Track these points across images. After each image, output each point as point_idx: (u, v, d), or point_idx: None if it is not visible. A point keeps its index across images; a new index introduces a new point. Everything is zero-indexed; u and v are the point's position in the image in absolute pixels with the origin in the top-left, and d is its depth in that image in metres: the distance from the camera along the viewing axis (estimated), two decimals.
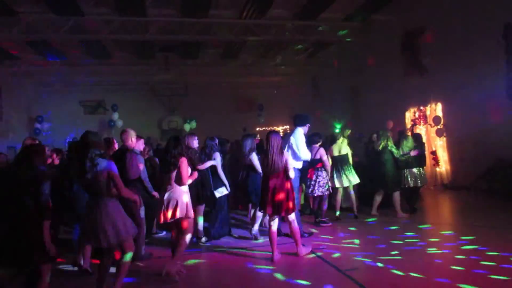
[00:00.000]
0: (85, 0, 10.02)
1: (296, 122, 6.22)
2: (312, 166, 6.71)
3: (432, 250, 5.15)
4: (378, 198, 7.35)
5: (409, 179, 7.36)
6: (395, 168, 7.24)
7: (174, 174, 4.45)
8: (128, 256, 3.76)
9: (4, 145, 13.40)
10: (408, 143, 7.41)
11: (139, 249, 5.11)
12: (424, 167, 7.79)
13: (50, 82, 18.77)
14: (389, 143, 7.22)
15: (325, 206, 6.89)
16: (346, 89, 15.06)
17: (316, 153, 6.66)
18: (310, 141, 6.55)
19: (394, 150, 7.22)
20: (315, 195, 6.75)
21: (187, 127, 19.86)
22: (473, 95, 8.99)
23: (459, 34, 9.41)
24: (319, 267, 4.70)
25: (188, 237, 4.49)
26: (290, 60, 16.97)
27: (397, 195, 7.18)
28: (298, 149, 5.95)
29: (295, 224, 5.07)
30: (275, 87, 22.14)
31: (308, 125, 6.23)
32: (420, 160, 7.53)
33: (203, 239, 5.93)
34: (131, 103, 19.69)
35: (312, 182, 6.72)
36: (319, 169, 6.70)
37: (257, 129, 19.93)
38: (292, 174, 5.03)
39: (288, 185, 4.99)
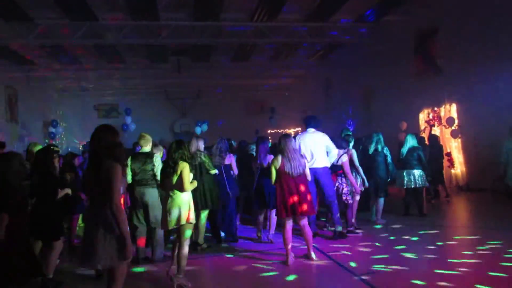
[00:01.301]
0: (98, 6, 10.17)
1: (311, 124, 6.19)
2: (334, 172, 6.38)
3: (449, 255, 5.06)
4: (379, 204, 6.93)
5: (405, 180, 7.13)
6: (386, 173, 6.91)
7: (174, 179, 4.29)
8: None
9: (21, 149, 13.64)
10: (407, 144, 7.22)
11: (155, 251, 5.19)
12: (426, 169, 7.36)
13: (65, 87, 19.10)
14: (379, 145, 6.90)
15: (349, 213, 6.48)
16: (359, 91, 14.95)
17: (339, 159, 6.35)
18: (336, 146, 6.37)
19: (388, 153, 6.91)
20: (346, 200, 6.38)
21: (198, 130, 19.96)
22: (489, 95, 8.83)
23: (473, 33, 9.26)
24: (333, 272, 4.65)
25: (186, 248, 4.26)
26: (301, 62, 16.94)
27: (382, 202, 6.88)
28: (330, 150, 6.04)
29: (308, 228, 5.01)
30: (287, 90, 22.13)
31: (319, 126, 6.25)
32: (422, 162, 7.21)
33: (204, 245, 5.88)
34: (144, 107, 19.92)
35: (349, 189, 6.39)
36: (342, 174, 6.41)
37: (269, 131, 19.92)
38: (309, 176, 5.01)
39: (304, 187, 4.92)
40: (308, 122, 6.29)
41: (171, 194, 4.30)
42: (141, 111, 19.41)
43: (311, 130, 6.19)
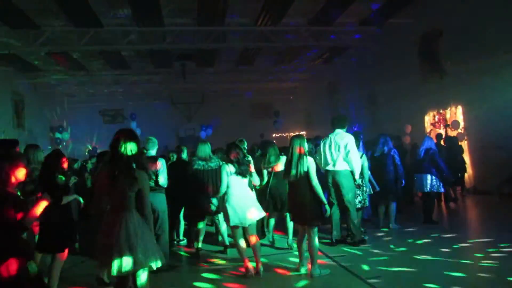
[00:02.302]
0: (104, 12, 10.26)
1: (337, 125, 5.90)
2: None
3: (461, 258, 5.02)
4: (391, 208, 6.74)
5: (416, 184, 7.05)
6: (395, 175, 6.71)
7: None
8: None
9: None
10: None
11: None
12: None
13: (71, 93, 19.25)
14: (386, 147, 6.74)
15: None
16: (364, 94, 14.93)
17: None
18: None
19: (396, 155, 6.76)
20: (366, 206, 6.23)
21: (203, 134, 20.01)
22: (494, 97, 8.79)
23: (478, 35, 9.22)
24: (340, 275, 4.63)
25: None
26: (305, 66, 16.95)
27: (394, 206, 6.71)
28: (352, 152, 5.68)
29: (315, 239, 4.56)
30: (291, 93, 22.14)
31: (348, 126, 5.98)
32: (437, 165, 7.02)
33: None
34: (149, 112, 20.02)
35: (359, 192, 6.11)
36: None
37: (274, 135, 19.93)
38: (316, 184, 4.57)
39: (312, 193, 4.57)
40: (333, 123, 6.00)
41: None
42: (146, 116, 19.50)
43: (337, 131, 5.90)
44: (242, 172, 4.69)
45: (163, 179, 5.10)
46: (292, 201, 4.80)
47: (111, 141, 3.16)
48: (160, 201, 5.16)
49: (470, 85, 9.61)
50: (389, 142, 6.86)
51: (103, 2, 9.93)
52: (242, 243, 4.75)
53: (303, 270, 4.71)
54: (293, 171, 4.56)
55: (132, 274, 3.08)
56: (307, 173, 4.56)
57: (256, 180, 5.01)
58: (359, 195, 6.08)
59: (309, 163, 4.60)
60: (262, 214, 4.88)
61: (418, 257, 5.07)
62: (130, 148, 3.10)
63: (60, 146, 16.70)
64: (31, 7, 9.57)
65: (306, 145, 4.75)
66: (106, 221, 3.12)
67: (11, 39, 11.27)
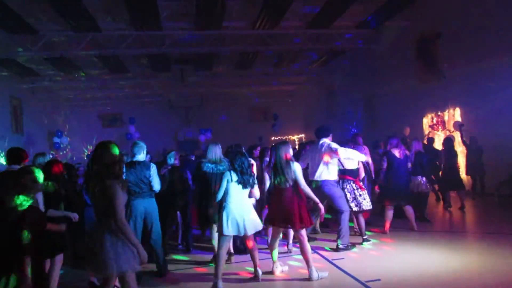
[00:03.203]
0: (102, 17, 10.28)
1: (321, 134, 5.99)
2: (355, 176, 6.10)
3: (458, 262, 5.01)
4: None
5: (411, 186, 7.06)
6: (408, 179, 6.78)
7: None
8: None
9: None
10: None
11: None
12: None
13: (69, 97, 19.26)
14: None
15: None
16: (361, 96, 14.95)
17: (358, 162, 6.13)
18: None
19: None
20: (366, 209, 6.07)
21: (202, 138, 20.01)
22: (492, 98, 8.81)
23: (476, 37, 9.26)
24: (337, 278, 4.61)
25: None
26: (303, 69, 16.99)
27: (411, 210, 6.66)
28: (349, 156, 5.76)
29: (306, 244, 4.60)
30: (290, 96, 22.17)
31: (331, 135, 6.01)
32: (424, 168, 7.18)
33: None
34: (147, 116, 20.03)
35: (365, 194, 6.05)
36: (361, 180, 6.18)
37: (272, 138, 19.94)
38: (304, 186, 4.66)
39: (300, 197, 4.65)
40: (317, 134, 6.07)
41: None
42: (144, 120, 19.50)
43: (320, 141, 5.95)
44: (244, 182, 4.54)
45: (156, 185, 4.95)
46: (277, 206, 4.74)
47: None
48: (148, 206, 4.96)
49: (468, 87, 9.64)
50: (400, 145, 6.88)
51: (101, 6, 9.95)
52: (224, 254, 4.61)
53: (277, 272, 4.81)
54: (282, 178, 4.63)
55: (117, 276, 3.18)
56: (294, 179, 4.64)
57: (256, 194, 4.75)
58: (366, 198, 6.03)
59: (296, 168, 4.66)
60: (261, 225, 4.75)
61: (419, 260, 5.06)
62: (98, 158, 3.21)
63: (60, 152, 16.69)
64: (29, 12, 9.59)
65: (291, 151, 4.82)
66: (94, 227, 3.31)
67: (10, 44, 11.27)
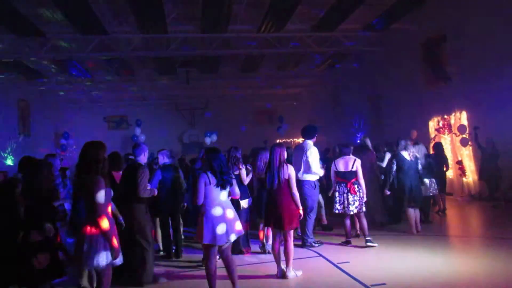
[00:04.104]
0: (108, 20, 10.36)
1: (306, 135, 6.21)
2: (349, 179, 6.11)
3: (462, 266, 4.97)
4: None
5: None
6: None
7: None
8: None
9: None
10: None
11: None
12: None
13: (76, 99, 19.39)
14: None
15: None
16: (367, 99, 14.92)
17: (353, 165, 6.12)
18: (344, 152, 6.25)
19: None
20: (360, 211, 6.06)
21: (207, 140, 20.03)
22: (498, 102, 8.75)
23: (482, 40, 9.21)
24: (342, 282, 4.59)
25: None
26: (309, 72, 16.98)
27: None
28: (311, 164, 5.95)
29: (291, 244, 4.77)
30: (295, 99, 22.16)
31: (316, 136, 6.23)
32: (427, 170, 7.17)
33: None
34: (153, 118, 20.09)
35: (356, 198, 6.01)
36: (356, 182, 6.10)
37: (277, 141, 19.92)
38: (294, 192, 4.74)
39: (290, 200, 4.73)
40: (303, 134, 6.32)
41: None
42: (150, 122, 19.57)
43: (305, 142, 6.20)
44: (223, 183, 4.11)
45: (140, 191, 4.74)
46: (272, 208, 4.81)
47: None
48: (136, 213, 4.80)
49: (474, 90, 9.58)
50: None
51: (108, 9, 10.03)
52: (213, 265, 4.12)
53: (290, 276, 4.74)
54: (275, 180, 4.70)
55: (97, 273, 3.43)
56: (287, 181, 4.71)
57: (236, 192, 4.39)
58: (356, 201, 6.01)
59: (290, 171, 4.74)
60: (243, 231, 4.39)
61: (424, 264, 5.03)
62: (83, 155, 3.43)
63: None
64: (37, 15, 9.69)
65: (285, 153, 4.90)
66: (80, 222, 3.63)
67: (18, 47, 11.39)
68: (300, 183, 5.95)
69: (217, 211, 4.05)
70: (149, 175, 5.03)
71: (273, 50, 12.53)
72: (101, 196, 3.27)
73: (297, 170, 5.96)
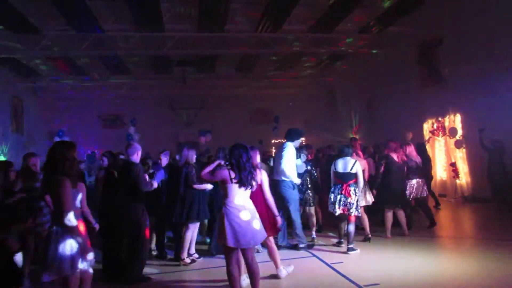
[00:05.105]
0: (104, 18, 10.31)
1: (287, 137, 6.27)
2: (345, 181, 5.95)
3: (454, 267, 5.00)
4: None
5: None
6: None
7: None
8: None
9: None
10: None
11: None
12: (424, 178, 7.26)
13: (70, 97, 19.27)
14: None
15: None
16: (363, 101, 14.97)
17: (353, 167, 5.95)
18: (345, 153, 6.09)
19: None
20: (354, 215, 5.91)
21: (202, 139, 19.97)
22: (493, 105, 8.80)
23: (477, 43, 9.27)
24: (336, 282, 4.61)
25: None
26: (305, 72, 17.02)
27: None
28: (284, 164, 5.95)
29: (274, 247, 4.77)
30: (291, 99, 22.18)
31: (301, 140, 6.30)
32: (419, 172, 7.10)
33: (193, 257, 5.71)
34: (148, 117, 19.98)
35: (350, 201, 5.84)
36: (354, 184, 5.95)
37: (273, 141, 19.93)
38: (269, 194, 4.43)
39: (264, 206, 4.44)
40: (285, 135, 6.39)
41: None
42: (145, 121, 19.46)
43: (285, 143, 6.25)
44: (242, 181, 3.86)
45: (142, 185, 4.76)
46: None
47: None
48: (132, 212, 4.76)
49: (469, 93, 9.64)
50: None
51: (104, 7, 9.98)
52: (236, 271, 3.88)
53: (282, 275, 4.74)
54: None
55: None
56: (260, 187, 4.33)
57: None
58: (350, 204, 5.85)
59: (262, 177, 4.41)
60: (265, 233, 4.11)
61: (418, 265, 5.06)
62: (51, 154, 3.33)
63: None
64: (32, 11, 9.62)
65: (258, 157, 4.74)
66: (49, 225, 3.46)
67: (12, 43, 11.30)
68: (278, 183, 5.99)
69: (242, 213, 3.79)
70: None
71: (269, 50, 12.53)
72: (65, 196, 3.16)
73: (276, 172, 6.11)
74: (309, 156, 7.52)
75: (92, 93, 18.74)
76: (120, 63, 13.64)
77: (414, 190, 6.94)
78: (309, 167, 6.85)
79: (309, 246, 6.12)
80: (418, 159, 7.09)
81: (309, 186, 6.76)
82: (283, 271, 4.76)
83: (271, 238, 4.71)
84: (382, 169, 6.62)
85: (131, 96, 19.78)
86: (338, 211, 5.86)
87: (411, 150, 7.10)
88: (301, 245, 6.01)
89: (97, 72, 15.22)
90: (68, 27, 10.45)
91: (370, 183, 6.81)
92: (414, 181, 6.94)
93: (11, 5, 8.73)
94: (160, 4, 9.19)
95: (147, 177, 5.18)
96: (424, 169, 7.72)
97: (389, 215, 6.58)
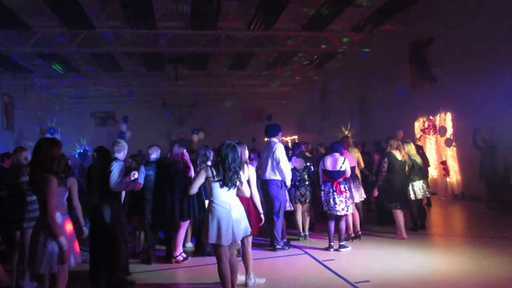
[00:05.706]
0: (96, 14, 10.23)
1: (268, 134, 6.16)
2: (335, 178, 5.86)
3: (444, 265, 5.07)
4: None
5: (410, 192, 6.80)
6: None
7: None
8: None
9: None
10: None
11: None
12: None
13: (62, 94, 19.11)
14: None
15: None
16: (355, 99, 15.06)
17: (342, 164, 5.83)
18: (334, 149, 6.01)
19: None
20: (348, 213, 5.88)
21: (195, 137, 19.95)
22: (483, 104, 8.92)
23: (468, 43, 9.37)
24: (327, 279, 4.65)
25: None
26: (298, 71, 17.06)
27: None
28: (280, 162, 5.89)
29: (250, 248, 4.43)
30: (284, 98, 22.23)
31: (280, 134, 6.22)
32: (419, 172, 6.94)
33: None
34: (140, 114, 19.96)
35: (342, 198, 5.78)
36: (344, 182, 5.89)
37: (265, 139, 19.96)
38: (255, 191, 4.44)
39: (250, 203, 4.44)
40: (266, 132, 6.26)
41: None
42: (137, 119, 19.43)
43: (271, 140, 6.13)
44: (225, 181, 3.80)
45: (111, 183, 4.53)
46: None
47: None
48: (108, 211, 4.54)
49: (459, 92, 9.75)
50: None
51: (96, 4, 9.90)
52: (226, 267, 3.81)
53: (250, 284, 4.41)
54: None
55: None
56: (247, 182, 4.28)
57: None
58: (342, 202, 5.81)
59: (250, 172, 4.38)
60: (250, 230, 4.07)
61: (408, 262, 5.13)
62: (37, 151, 3.27)
63: None
64: (22, 8, 9.51)
65: (246, 152, 4.68)
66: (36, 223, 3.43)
67: (2, 40, 11.17)
68: (265, 183, 5.98)
69: (226, 210, 3.76)
70: (124, 170, 4.77)
71: (262, 48, 12.54)
72: (51, 195, 3.12)
73: (264, 171, 6.05)
74: (307, 153, 7.51)
75: (83, 90, 18.60)
76: (111, 60, 13.55)
77: (420, 191, 6.74)
78: (308, 163, 6.81)
79: (287, 246, 6.01)
80: (418, 158, 7.01)
81: (307, 183, 6.72)
82: (253, 280, 4.39)
83: (250, 240, 4.39)
84: (385, 167, 6.38)
85: (123, 94, 19.69)
86: (331, 210, 5.80)
87: (410, 148, 7.03)
88: (278, 246, 5.88)
89: (89, 69, 15.10)
90: (59, 24, 10.35)
91: (370, 184, 6.80)
92: (419, 183, 6.75)
93: (1, 2, 8.62)
94: (152, 1, 9.14)
95: (134, 176, 4.95)
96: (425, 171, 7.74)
97: (399, 214, 6.33)
